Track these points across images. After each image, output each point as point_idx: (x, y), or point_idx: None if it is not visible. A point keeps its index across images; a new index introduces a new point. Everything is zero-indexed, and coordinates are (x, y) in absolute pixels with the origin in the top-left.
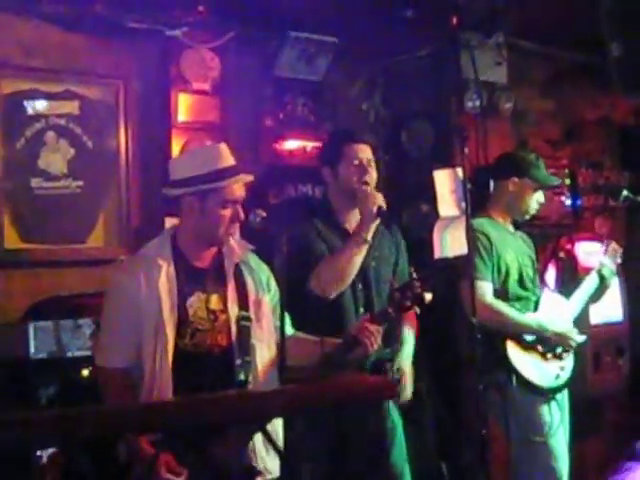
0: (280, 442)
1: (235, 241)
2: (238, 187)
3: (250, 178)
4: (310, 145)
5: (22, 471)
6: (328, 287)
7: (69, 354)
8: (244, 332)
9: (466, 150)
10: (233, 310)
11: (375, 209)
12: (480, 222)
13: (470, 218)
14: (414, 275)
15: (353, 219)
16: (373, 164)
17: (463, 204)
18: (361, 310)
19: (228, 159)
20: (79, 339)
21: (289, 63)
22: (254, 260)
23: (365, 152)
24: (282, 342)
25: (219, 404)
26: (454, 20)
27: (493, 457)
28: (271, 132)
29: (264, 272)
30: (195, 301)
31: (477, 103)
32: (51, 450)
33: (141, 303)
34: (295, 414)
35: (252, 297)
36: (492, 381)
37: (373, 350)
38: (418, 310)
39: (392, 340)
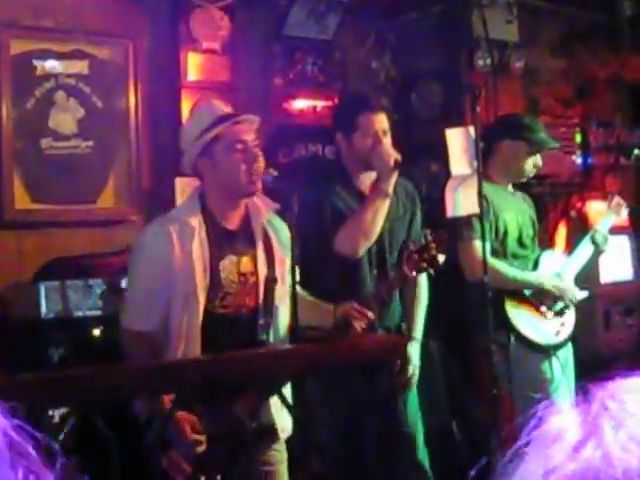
0: (290, 400)
1: (260, 199)
2: (241, 129)
3: (250, 117)
4: (320, 104)
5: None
6: (355, 244)
7: (80, 314)
8: (270, 293)
9: (477, 109)
10: (262, 271)
11: (392, 162)
12: None
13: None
14: (429, 237)
15: (368, 181)
16: (388, 132)
17: (475, 163)
18: (374, 272)
19: (222, 109)
20: (90, 299)
21: (298, 22)
22: (277, 220)
23: (381, 122)
24: (294, 302)
25: (235, 362)
26: None
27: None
28: (281, 91)
29: (285, 232)
30: (227, 264)
31: (488, 62)
32: (63, 409)
33: (173, 265)
34: (307, 373)
35: (277, 257)
36: (494, 341)
37: (363, 329)
38: (432, 272)
39: (406, 301)
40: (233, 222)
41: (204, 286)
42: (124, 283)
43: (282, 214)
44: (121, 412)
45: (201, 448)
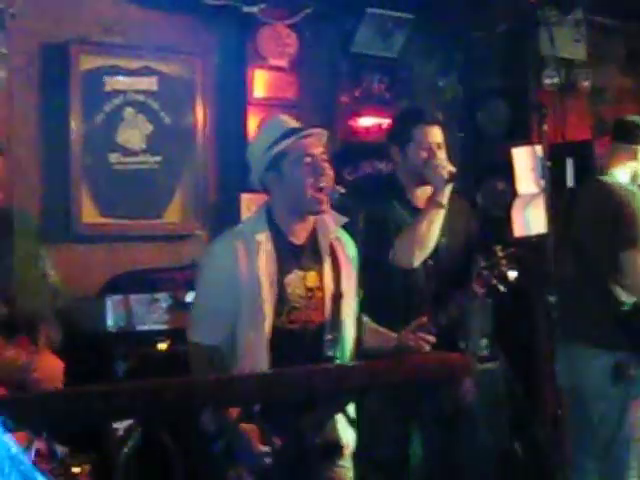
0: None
1: (328, 214)
2: (309, 142)
3: (323, 132)
4: (386, 122)
5: (99, 443)
6: (411, 255)
7: (145, 328)
8: (337, 308)
9: (544, 127)
10: (329, 287)
11: (445, 173)
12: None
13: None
14: (499, 253)
15: (422, 197)
16: (443, 145)
17: (542, 182)
18: (432, 287)
19: (290, 123)
20: (155, 313)
21: (365, 40)
22: (344, 235)
23: (434, 134)
24: (359, 321)
25: (300, 377)
26: None
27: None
28: (347, 109)
29: (352, 248)
30: (293, 279)
31: (555, 80)
32: (128, 422)
33: (240, 280)
34: (372, 390)
35: (344, 273)
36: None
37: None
38: (503, 288)
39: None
40: (300, 237)
41: (271, 301)
42: (189, 297)
43: (348, 229)
44: (186, 426)
45: (268, 460)
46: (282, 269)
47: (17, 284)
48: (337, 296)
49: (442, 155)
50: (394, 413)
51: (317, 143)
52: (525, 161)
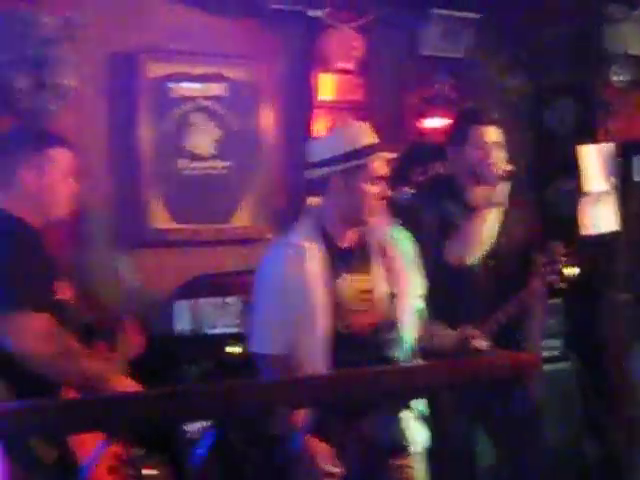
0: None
1: (378, 217)
2: (382, 164)
3: (393, 155)
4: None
5: (169, 446)
6: (464, 253)
7: (217, 331)
8: (392, 309)
9: (612, 124)
10: (381, 288)
11: (500, 172)
12: None
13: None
14: (560, 250)
15: (480, 197)
16: (499, 145)
17: (612, 179)
18: (493, 286)
19: (371, 136)
20: (226, 317)
21: (432, 41)
22: (397, 232)
23: (491, 134)
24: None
25: (368, 378)
26: None
27: None
28: (414, 110)
29: (408, 245)
30: (345, 283)
31: (623, 77)
32: (197, 425)
33: (293, 288)
34: (439, 389)
35: (397, 272)
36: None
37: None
38: (564, 285)
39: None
40: (349, 241)
41: (325, 306)
42: None
43: (417, 232)
44: (256, 429)
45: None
46: (334, 273)
47: (96, 290)
48: (391, 296)
49: (498, 155)
50: (463, 413)
51: (385, 165)
52: (592, 159)
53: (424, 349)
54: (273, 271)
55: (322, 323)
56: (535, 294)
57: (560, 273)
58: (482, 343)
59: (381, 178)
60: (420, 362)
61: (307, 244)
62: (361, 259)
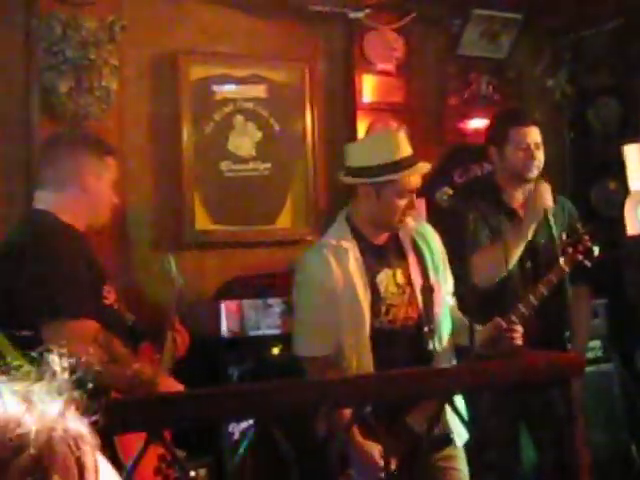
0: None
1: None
2: (415, 178)
3: (428, 167)
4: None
5: (213, 446)
6: (485, 278)
7: (259, 333)
8: (428, 301)
9: None
10: (417, 281)
11: (542, 210)
12: None
13: None
14: (582, 229)
15: (520, 198)
16: (541, 147)
17: None
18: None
19: (405, 148)
20: (269, 318)
21: (473, 41)
22: (424, 228)
23: (532, 135)
24: (470, 322)
25: (413, 379)
26: None
27: None
28: (456, 111)
29: (436, 240)
30: (384, 277)
31: None
32: (243, 425)
33: (335, 289)
34: (482, 390)
35: (430, 266)
36: None
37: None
38: (589, 264)
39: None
40: (381, 239)
41: (367, 302)
42: None
43: (457, 231)
44: (302, 428)
45: (382, 474)
46: (371, 270)
47: (140, 292)
48: (427, 289)
49: (540, 155)
50: (505, 414)
51: (418, 178)
52: (636, 158)
53: (464, 347)
54: (316, 273)
55: (367, 319)
56: (562, 273)
57: (584, 251)
58: (518, 333)
59: (412, 191)
60: (452, 355)
61: (346, 243)
62: (396, 254)
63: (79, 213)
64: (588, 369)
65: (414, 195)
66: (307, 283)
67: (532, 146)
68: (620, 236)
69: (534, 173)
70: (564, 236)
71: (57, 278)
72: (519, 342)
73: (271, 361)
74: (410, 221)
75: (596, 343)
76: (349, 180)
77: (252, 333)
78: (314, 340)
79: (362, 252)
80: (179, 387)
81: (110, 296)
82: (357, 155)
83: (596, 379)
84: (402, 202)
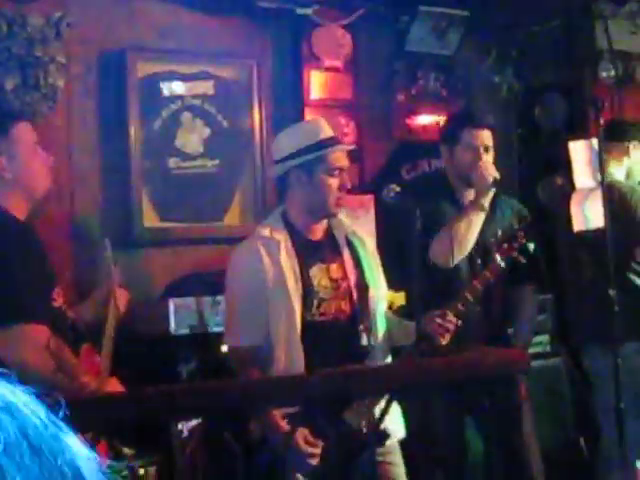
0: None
1: (343, 214)
2: (342, 155)
3: (351, 147)
4: (443, 120)
5: (163, 444)
6: (448, 254)
7: (208, 330)
8: (364, 298)
9: (602, 121)
10: (352, 276)
11: (490, 179)
12: None
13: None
14: (517, 226)
15: (470, 197)
16: (491, 150)
17: (599, 176)
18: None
19: (328, 130)
20: (218, 315)
21: (420, 38)
22: (359, 232)
23: (482, 137)
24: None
25: (351, 377)
26: None
27: None
28: (403, 107)
29: (370, 242)
30: (317, 271)
31: (612, 73)
32: (191, 423)
33: (266, 280)
34: (421, 387)
35: (366, 265)
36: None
37: (444, 342)
38: (523, 260)
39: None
40: (316, 234)
41: (298, 294)
42: None
43: (405, 231)
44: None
45: (314, 460)
46: (304, 263)
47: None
48: (363, 286)
49: (489, 158)
50: (451, 409)
51: (345, 157)
52: (582, 155)
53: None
54: (246, 264)
55: (296, 311)
56: (497, 269)
57: (518, 247)
58: (447, 331)
59: (341, 169)
60: (388, 352)
61: (278, 236)
62: (331, 250)
63: (10, 197)
64: (536, 363)
65: (345, 175)
66: (236, 273)
67: (481, 149)
68: (567, 232)
69: (484, 177)
70: (499, 232)
71: (10, 280)
72: (443, 341)
73: (221, 359)
74: (345, 219)
75: (544, 338)
76: (279, 168)
77: (201, 330)
78: (241, 329)
79: (295, 246)
80: (120, 388)
81: (59, 298)
82: (283, 144)
83: (544, 373)
84: (334, 181)
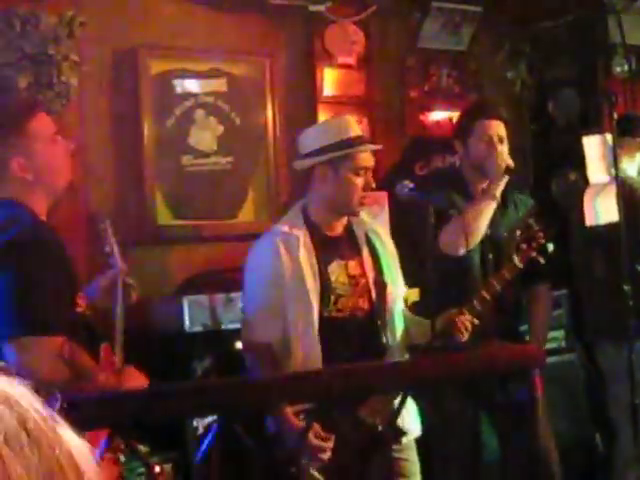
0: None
1: (364, 211)
2: (368, 155)
3: (379, 147)
4: (456, 115)
5: (178, 441)
6: (457, 243)
7: (222, 327)
8: (382, 295)
9: (615, 115)
10: (371, 274)
11: (503, 165)
12: None
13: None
14: (536, 226)
15: (482, 190)
16: (505, 140)
17: (613, 170)
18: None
19: (357, 129)
20: (231, 312)
21: (433, 34)
22: (379, 229)
23: (496, 128)
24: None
25: (365, 374)
26: None
27: None
28: (416, 103)
29: (389, 239)
30: (335, 268)
31: (625, 68)
32: (207, 420)
33: (284, 275)
34: (444, 382)
35: (384, 262)
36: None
37: (463, 339)
38: (542, 260)
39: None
40: (336, 230)
41: (316, 290)
42: None
43: (418, 226)
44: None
45: (326, 455)
46: (323, 260)
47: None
48: (381, 283)
49: (503, 149)
50: (466, 405)
51: (371, 157)
52: (596, 150)
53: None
54: (265, 260)
55: (314, 307)
56: (515, 270)
57: (537, 247)
58: (466, 329)
59: (367, 169)
60: (405, 350)
61: (297, 232)
62: (350, 247)
63: (30, 195)
64: (551, 359)
65: (370, 175)
66: (254, 268)
67: (495, 139)
68: (580, 227)
69: (498, 167)
70: (518, 233)
71: (37, 292)
72: (463, 338)
73: (235, 356)
74: (366, 217)
75: (559, 333)
76: (306, 162)
77: (215, 328)
78: (259, 324)
79: (314, 242)
80: (141, 378)
81: (82, 303)
82: (311, 139)
83: (559, 369)
84: (359, 181)
